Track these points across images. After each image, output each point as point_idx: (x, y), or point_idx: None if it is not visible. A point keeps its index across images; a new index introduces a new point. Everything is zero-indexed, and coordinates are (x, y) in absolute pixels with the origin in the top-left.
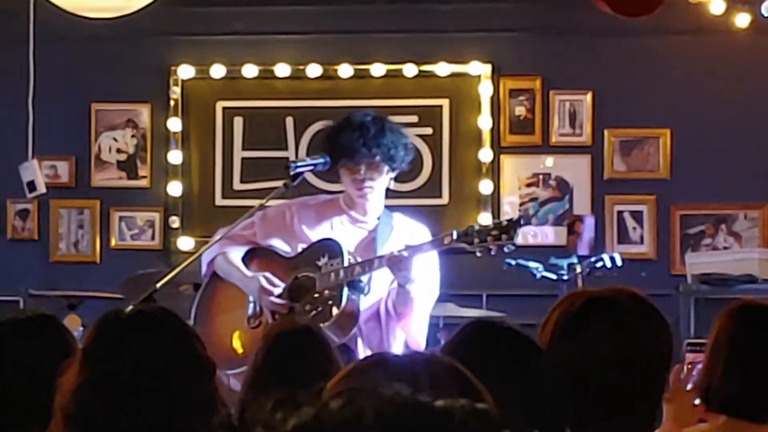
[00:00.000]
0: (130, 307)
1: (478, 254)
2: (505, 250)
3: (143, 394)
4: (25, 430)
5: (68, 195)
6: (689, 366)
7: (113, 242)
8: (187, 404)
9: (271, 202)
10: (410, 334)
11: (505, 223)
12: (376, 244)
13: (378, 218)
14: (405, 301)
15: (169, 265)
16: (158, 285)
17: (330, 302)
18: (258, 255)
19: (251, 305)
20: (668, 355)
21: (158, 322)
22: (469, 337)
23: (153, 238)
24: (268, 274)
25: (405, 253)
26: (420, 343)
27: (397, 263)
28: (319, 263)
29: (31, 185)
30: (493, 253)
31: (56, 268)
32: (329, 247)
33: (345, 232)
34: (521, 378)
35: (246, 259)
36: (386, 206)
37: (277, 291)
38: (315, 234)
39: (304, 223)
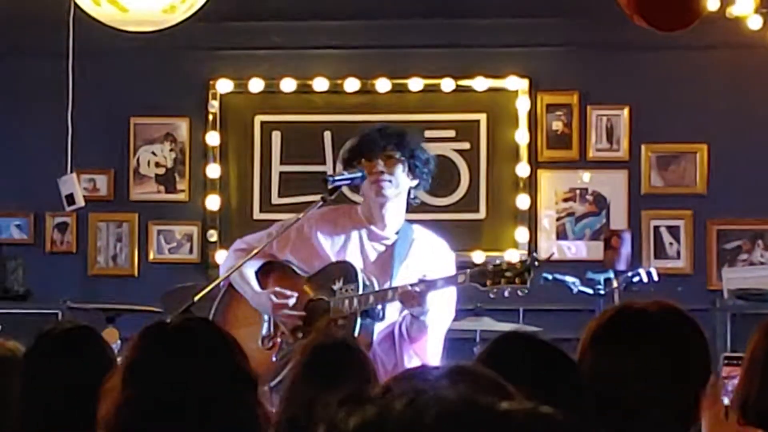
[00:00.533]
0: (171, 320)
1: (492, 296)
2: (519, 293)
3: (186, 413)
4: None
5: (107, 208)
6: (724, 379)
7: (151, 255)
8: (229, 419)
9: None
10: (424, 358)
11: (519, 265)
12: (393, 262)
13: (397, 232)
14: (419, 328)
15: (207, 279)
16: (196, 298)
17: (344, 330)
18: (273, 270)
19: (265, 325)
20: (703, 366)
21: (201, 335)
22: (501, 348)
23: (191, 251)
24: (277, 289)
25: (418, 289)
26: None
27: (410, 298)
28: (334, 287)
29: (70, 198)
30: (506, 295)
31: (94, 281)
32: (345, 271)
33: (362, 249)
34: (552, 389)
35: (261, 274)
36: (421, 221)
37: (291, 302)
38: (332, 248)
39: (321, 237)
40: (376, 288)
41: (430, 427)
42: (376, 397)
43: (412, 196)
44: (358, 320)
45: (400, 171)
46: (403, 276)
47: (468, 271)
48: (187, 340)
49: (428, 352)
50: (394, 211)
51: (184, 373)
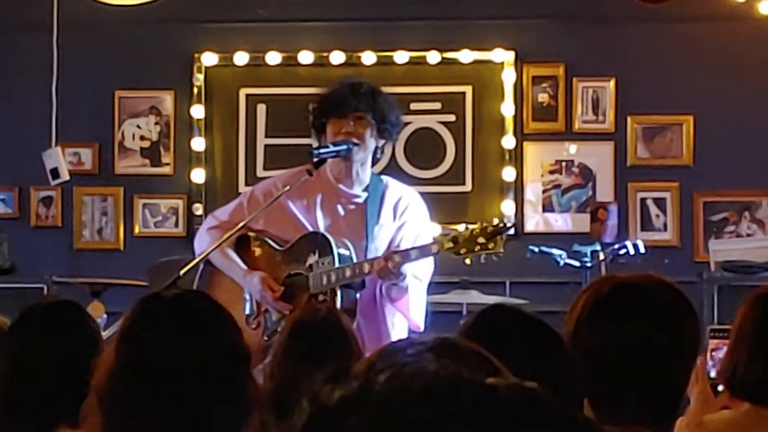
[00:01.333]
0: (168, 291)
1: (467, 261)
2: (494, 258)
3: (179, 380)
4: (52, 414)
5: (92, 182)
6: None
7: (137, 229)
8: (221, 392)
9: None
10: (408, 317)
11: (491, 228)
12: (366, 221)
13: (366, 188)
14: (399, 290)
15: (193, 253)
16: (182, 272)
17: (326, 303)
18: (249, 244)
19: (248, 303)
20: (695, 343)
21: (197, 307)
22: (485, 321)
23: (177, 225)
24: (264, 275)
25: (391, 264)
26: (419, 325)
27: (387, 273)
28: (310, 261)
29: (55, 172)
30: (483, 261)
31: (80, 256)
32: (319, 244)
33: (334, 210)
34: (537, 362)
35: (236, 247)
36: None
37: (278, 294)
38: (305, 212)
39: (292, 203)
40: (353, 254)
41: (412, 401)
42: (359, 373)
43: (377, 154)
44: (338, 293)
45: (369, 134)
46: (379, 236)
47: (441, 239)
48: (183, 310)
49: (411, 308)
50: (361, 169)
51: (179, 343)
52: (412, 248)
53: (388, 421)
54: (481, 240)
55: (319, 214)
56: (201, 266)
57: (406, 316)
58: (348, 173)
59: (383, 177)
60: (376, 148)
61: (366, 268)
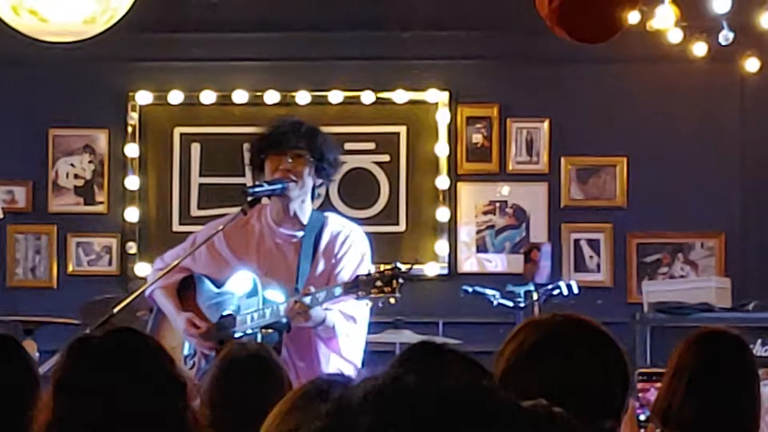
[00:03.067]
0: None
1: (368, 303)
2: (391, 301)
3: (115, 426)
4: None
5: (25, 220)
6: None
7: (70, 268)
8: (159, 427)
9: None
10: (342, 356)
11: (388, 273)
12: (299, 261)
13: (305, 228)
14: (326, 330)
15: (127, 291)
16: (115, 311)
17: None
18: (189, 286)
19: (186, 344)
20: (623, 380)
21: (125, 346)
22: (413, 357)
23: (110, 263)
24: (190, 315)
25: (299, 306)
26: (356, 362)
27: (295, 315)
28: (240, 303)
29: None
30: (380, 305)
31: (13, 293)
32: (247, 285)
33: (269, 251)
34: None
35: (181, 289)
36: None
37: (201, 331)
38: (242, 254)
39: (230, 246)
40: (283, 293)
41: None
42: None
43: (315, 194)
44: (259, 335)
45: (307, 172)
46: (313, 273)
47: (343, 283)
48: (111, 351)
49: (342, 348)
50: (299, 208)
51: (111, 386)
52: (319, 290)
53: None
54: (378, 284)
55: (253, 255)
56: (155, 308)
57: (340, 356)
58: (285, 212)
59: (326, 213)
60: (314, 187)
61: (281, 310)
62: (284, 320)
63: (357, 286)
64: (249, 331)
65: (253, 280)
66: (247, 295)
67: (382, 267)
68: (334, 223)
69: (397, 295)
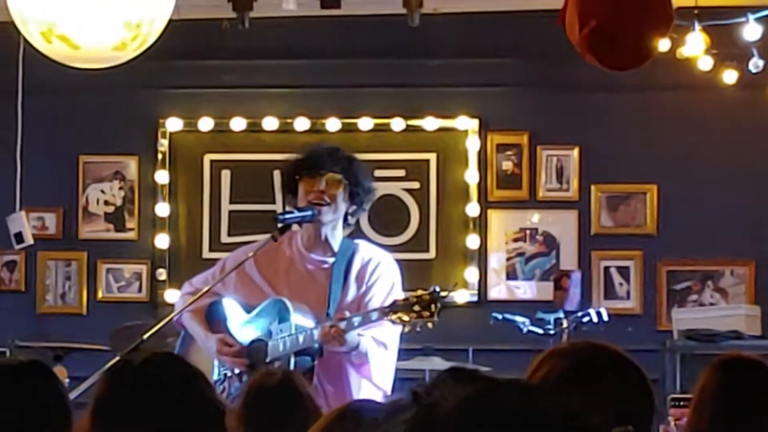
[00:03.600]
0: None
1: (406, 330)
2: (429, 326)
3: None
4: None
5: (56, 247)
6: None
7: (100, 294)
8: None
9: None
10: (373, 382)
11: (426, 298)
12: (330, 288)
13: (336, 254)
14: (358, 356)
15: (156, 318)
16: (145, 337)
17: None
18: (216, 311)
19: (215, 369)
20: (648, 405)
21: (165, 371)
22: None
23: (140, 290)
24: (221, 335)
25: (335, 329)
26: (386, 388)
27: (330, 339)
28: (271, 328)
29: (19, 237)
30: (418, 329)
31: (43, 320)
32: (279, 310)
33: (301, 278)
34: None
35: (207, 314)
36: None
37: (234, 350)
38: (273, 280)
39: (260, 272)
40: (313, 320)
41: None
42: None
43: (348, 221)
44: (292, 361)
45: (341, 196)
46: (344, 300)
47: (380, 308)
48: (152, 375)
49: (374, 374)
50: (331, 234)
51: (151, 409)
52: (355, 315)
53: None
54: (416, 308)
55: (284, 281)
56: (182, 333)
57: (371, 382)
58: (317, 238)
59: (356, 240)
60: (347, 213)
61: (315, 335)
62: (316, 345)
63: (395, 310)
64: (281, 357)
65: (284, 305)
66: (278, 320)
67: (420, 291)
68: (365, 250)
69: (435, 319)
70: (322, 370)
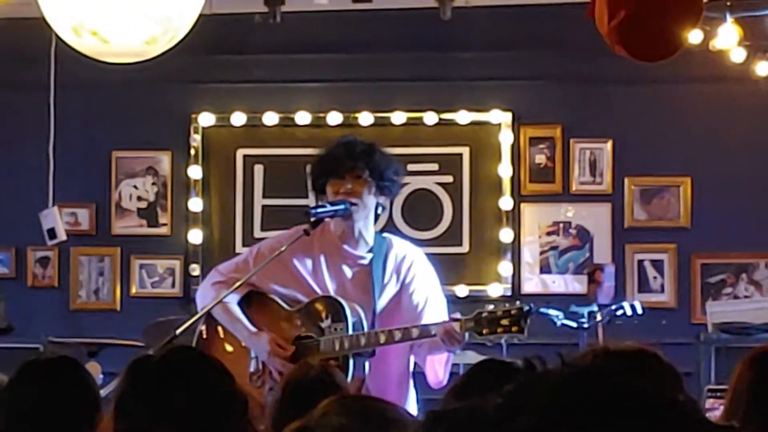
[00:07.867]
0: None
1: (488, 344)
2: (516, 341)
3: None
4: None
5: (89, 242)
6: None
7: (133, 290)
8: None
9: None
10: (438, 370)
11: (515, 311)
12: (373, 284)
13: (371, 249)
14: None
15: (189, 313)
16: (178, 332)
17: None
18: (256, 302)
19: (253, 362)
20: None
21: (185, 365)
22: (476, 375)
23: (173, 285)
24: (274, 336)
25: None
26: (443, 381)
27: (451, 338)
28: (323, 325)
29: (52, 232)
30: (503, 342)
31: (76, 316)
32: (333, 309)
33: (338, 271)
34: None
35: (243, 304)
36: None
37: (288, 354)
38: (310, 272)
39: (298, 263)
40: (363, 320)
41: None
42: None
43: (378, 211)
44: (350, 361)
45: (367, 192)
46: (384, 297)
47: (463, 319)
48: (172, 369)
49: (447, 366)
50: (364, 228)
51: (172, 403)
52: (433, 324)
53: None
54: (504, 322)
55: (326, 275)
56: (199, 324)
57: (436, 371)
58: (350, 233)
59: (386, 235)
60: (377, 204)
61: (381, 338)
62: (372, 348)
63: (480, 323)
64: (336, 356)
65: (339, 304)
66: (332, 318)
67: (508, 305)
68: (399, 246)
69: (525, 335)
70: (371, 371)
